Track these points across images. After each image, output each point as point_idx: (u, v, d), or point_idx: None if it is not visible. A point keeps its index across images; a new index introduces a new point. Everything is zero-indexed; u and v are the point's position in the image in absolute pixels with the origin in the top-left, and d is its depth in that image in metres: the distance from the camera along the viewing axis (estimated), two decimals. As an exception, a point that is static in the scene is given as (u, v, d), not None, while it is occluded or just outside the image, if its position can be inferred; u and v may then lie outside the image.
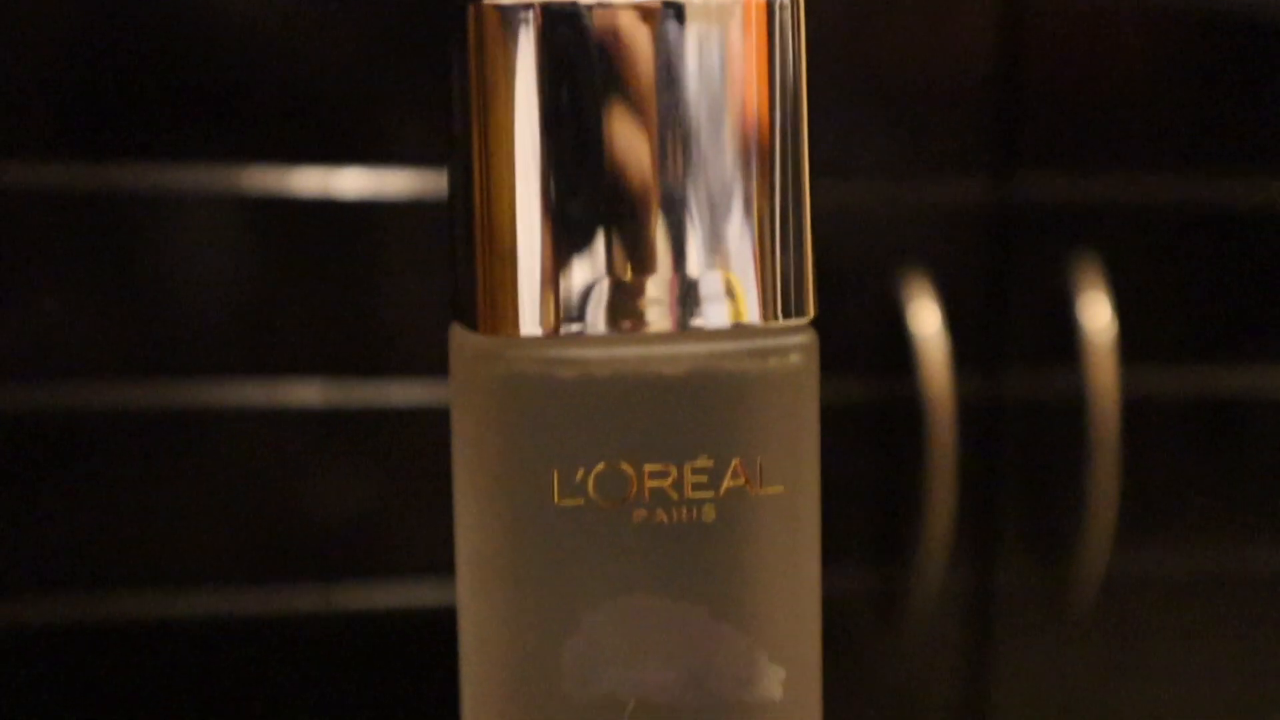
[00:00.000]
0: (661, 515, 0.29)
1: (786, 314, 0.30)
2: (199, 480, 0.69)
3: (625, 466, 0.29)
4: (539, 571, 0.29)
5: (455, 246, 0.30)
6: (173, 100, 0.68)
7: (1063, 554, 0.78)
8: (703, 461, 0.29)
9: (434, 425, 0.71)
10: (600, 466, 0.29)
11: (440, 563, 0.71)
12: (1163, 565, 0.80)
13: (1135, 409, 0.78)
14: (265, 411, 0.69)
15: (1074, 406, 0.78)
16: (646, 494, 0.29)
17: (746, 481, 0.29)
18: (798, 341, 0.30)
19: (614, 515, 0.29)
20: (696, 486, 0.29)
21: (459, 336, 0.31)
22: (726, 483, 0.29)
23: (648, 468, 0.29)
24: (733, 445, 0.29)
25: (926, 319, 0.76)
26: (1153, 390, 0.79)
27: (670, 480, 0.29)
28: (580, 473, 0.29)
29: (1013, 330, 0.78)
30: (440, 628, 0.72)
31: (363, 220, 0.70)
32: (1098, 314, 0.77)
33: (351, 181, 0.70)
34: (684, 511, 0.29)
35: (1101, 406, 0.76)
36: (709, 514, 0.29)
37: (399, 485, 0.71)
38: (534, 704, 0.29)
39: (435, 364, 0.71)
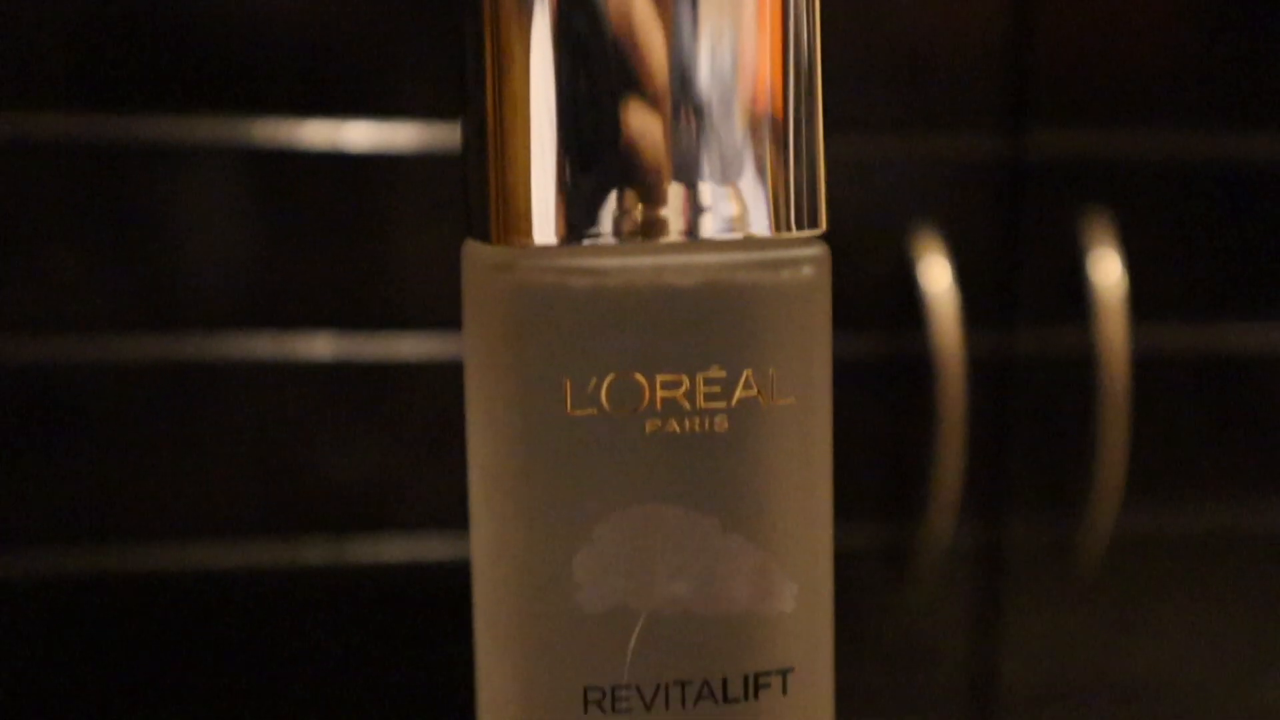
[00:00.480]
0: (674, 425, 0.29)
1: (799, 225, 0.30)
2: (209, 433, 0.69)
3: (637, 376, 0.29)
4: (551, 482, 0.29)
5: (469, 160, 0.30)
6: (183, 53, 0.68)
7: (1072, 511, 0.78)
8: (715, 372, 0.29)
9: (444, 379, 0.71)
10: (612, 376, 0.29)
11: (450, 517, 0.71)
12: (1172, 523, 0.80)
13: (1145, 366, 0.78)
14: (275, 364, 0.69)
15: (1084, 363, 0.78)
16: (659, 404, 0.29)
17: (759, 392, 0.29)
18: (810, 254, 0.30)
19: (626, 425, 0.29)
20: (709, 397, 0.29)
21: (471, 251, 0.31)
22: (739, 393, 0.29)
23: (660, 378, 0.29)
24: (745, 356, 0.29)
25: (937, 276, 0.76)
26: (1163, 347, 0.79)
27: (682, 390, 0.29)
28: (592, 382, 0.29)
29: (1023, 287, 0.78)
30: (450, 581, 0.72)
31: (372, 173, 0.70)
32: (1108, 271, 0.77)
33: (361, 134, 0.70)
34: (696, 422, 0.29)
35: (1112, 363, 0.76)
36: (721, 424, 0.29)
37: (409, 439, 0.71)
38: (546, 617, 0.29)
39: (445, 317, 0.71)
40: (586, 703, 0.30)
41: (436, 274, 0.71)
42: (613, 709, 0.30)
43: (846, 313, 0.77)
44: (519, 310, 0.29)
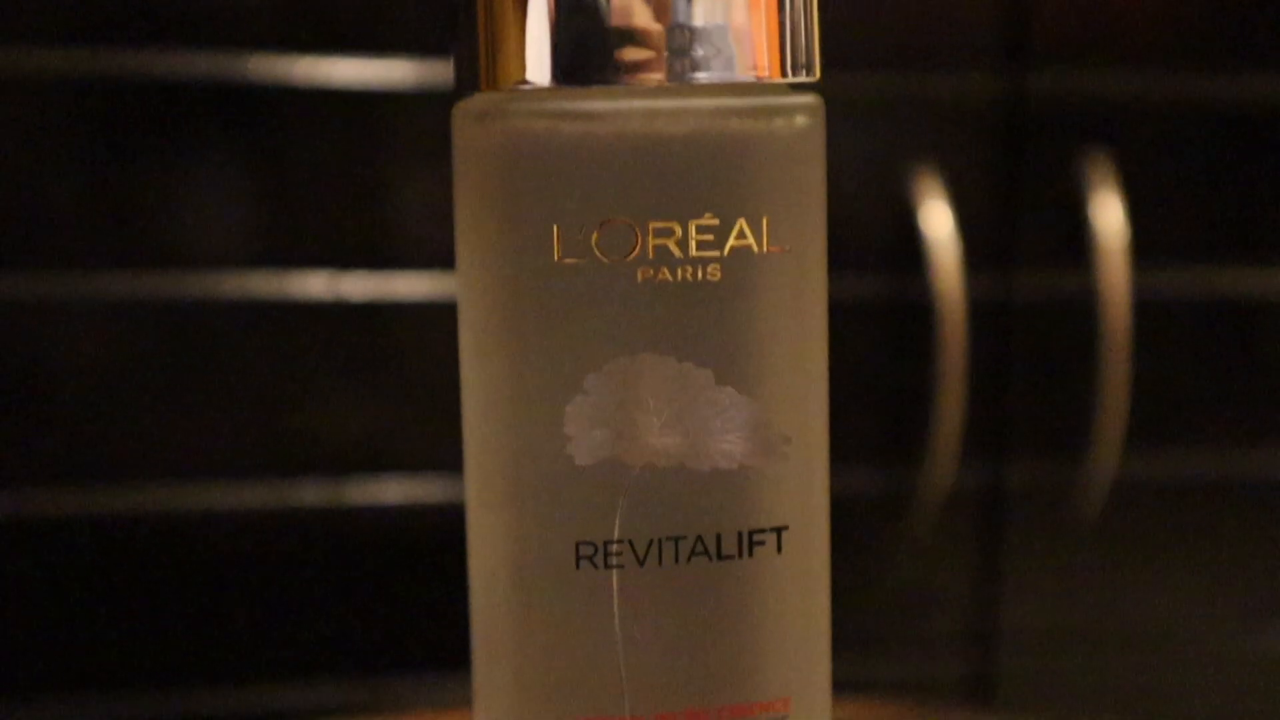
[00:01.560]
0: (666, 274, 0.29)
1: (794, 72, 0.29)
2: (206, 372, 0.69)
3: (628, 223, 0.28)
4: (541, 332, 0.29)
5: (459, 18, 0.30)
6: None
7: (1073, 456, 0.78)
8: (707, 220, 0.29)
9: (440, 318, 0.70)
10: (603, 224, 0.28)
11: (447, 458, 0.71)
12: (1173, 468, 0.80)
13: (1146, 311, 0.78)
14: (271, 304, 0.69)
15: (1085, 307, 0.77)
16: (650, 252, 0.28)
17: (752, 241, 0.29)
18: (804, 102, 0.29)
19: (618, 273, 0.28)
20: (701, 245, 0.29)
21: (461, 109, 0.30)
22: (731, 242, 0.29)
23: (652, 225, 0.28)
24: (738, 204, 0.29)
25: (938, 221, 0.75)
26: (1164, 292, 0.79)
27: (675, 238, 0.28)
28: (582, 229, 0.28)
29: (1023, 230, 0.77)
30: (446, 522, 0.72)
31: (368, 111, 0.70)
32: (1110, 215, 0.77)
33: (354, 71, 0.69)
34: (689, 270, 0.29)
35: (1113, 308, 0.76)
36: (714, 273, 0.29)
37: (405, 379, 0.71)
38: (537, 471, 0.29)
39: (441, 257, 0.70)
40: (578, 558, 0.29)
41: (432, 213, 0.70)
42: (605, 565, 0.29)
43: (846, 257, 0.77)
44: (508, 157, 0.28)
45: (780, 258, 0.29)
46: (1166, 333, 0.78)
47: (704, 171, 0.29)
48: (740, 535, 0.29)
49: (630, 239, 0.28)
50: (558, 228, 0.28)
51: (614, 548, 0.29)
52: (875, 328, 0.76)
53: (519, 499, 0.29)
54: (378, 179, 0.70)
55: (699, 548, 0.29)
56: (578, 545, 0.29)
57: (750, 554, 0.30)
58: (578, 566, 0.29)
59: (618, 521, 0.29)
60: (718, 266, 0.29)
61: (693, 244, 0.29)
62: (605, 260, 0.28)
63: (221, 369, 0.69)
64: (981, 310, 0.76)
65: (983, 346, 0.76)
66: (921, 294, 0.76)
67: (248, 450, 0.70)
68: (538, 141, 0.28)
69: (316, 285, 0.69)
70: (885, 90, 0.75)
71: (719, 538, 0.29)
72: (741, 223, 0.29)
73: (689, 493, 0.29)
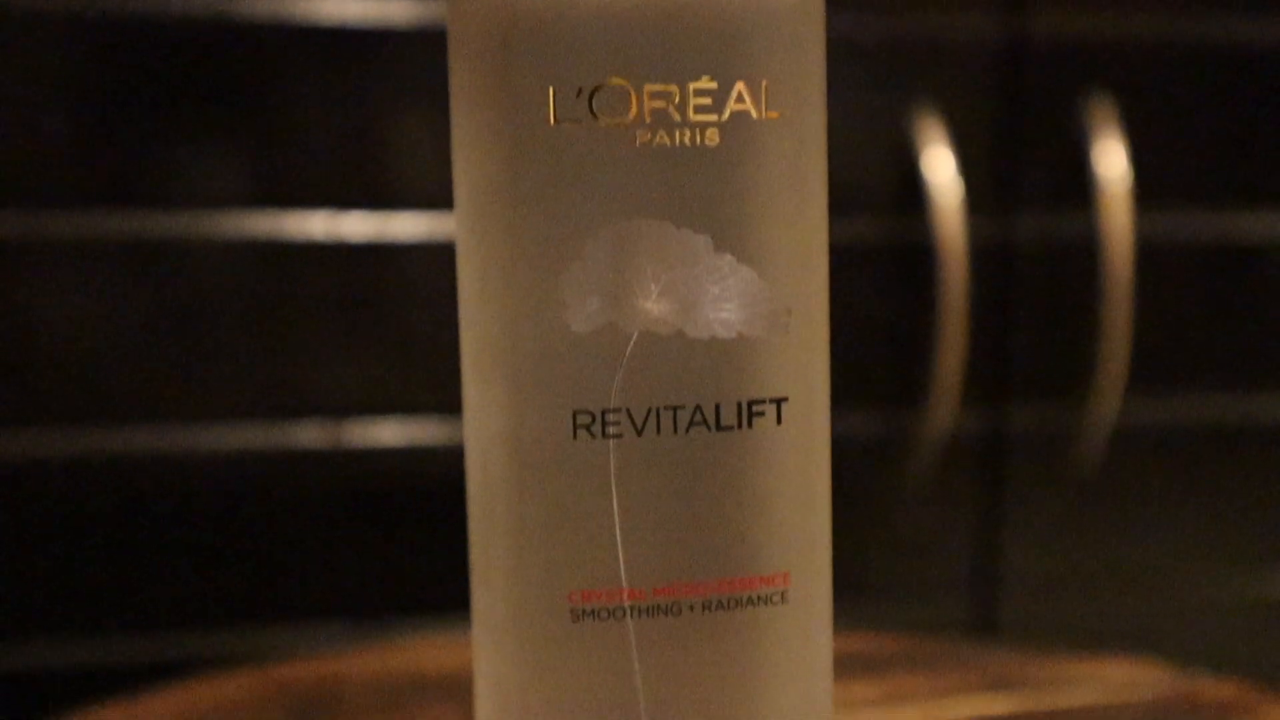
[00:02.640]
0: (664, 137, 0.28)
1: (792, -65, 0.29)
2: (202, 311, 0.69)
3: (625, 86, 0.28)
4: (537, 196, 0.28)
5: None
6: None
7: (1074, 400, 0.78)
8: (705, 83, 0.28)
9: (436, 258, 0.70)
10: (599, 86, 0.28)
11: (445, 399, 0.70)
12: (1174, 413, 0.79)
13: (1148, 254, 0.77)
14: (269, 244, 0.69)
15: (1087, 250, 0.77)
16: (647, 115, 0.28)
17: (751, 106, 0.28)
18: (803, -33, 0.29)
19: (615, 136, 0.28)
20: (699, 109, 0.28)
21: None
22: (730, 106, 0.28)
23: (649, 88, 0.28)
24: (736, 67, 0.28)
25: (940, 165, 0.75)
26: (1166, 236, 0.78)
27: (672, 101, 0.28)
28: (578, 92, 0.28)
29: (1025, 171, 0.77)
30: (444, 464, 0.71)
31: (366, 50, 0.69)
32: (1112, 158, 0.76)
33: (356, 10, 0.69)
34: (687, 134, 0.28)
35: (1115, 252, 0.75)
36: (712, 138, 0.28)
37: (402, 320, 0.71)
38: (534, 338, 0.29)
39: (437, 198, 0.70)
40: (575, 427, 0.29)
41: (430, 153, 0.70)
42: (602, 433, 0.29)
43: (848, 201, 0.76)
44: (503, 18, 0.28)
45: (779, 124, 0.29)
46: (1168, 277, 0.78)
47: (702, 33, 0.28)
48: (739, 406, 0.29)
49: (626, 102, 0.28)
50: (553, 90, 0.28)
51: (611, 417, 0.29)
52: (877, 272, 0.76)
53: (515, 368, 0.29)
54: (375, 119, 0.69)
55: (697, 418, 0.29)
56: (574, 414, 0.29)
57: (749, 425, 0.29)
58: (574, 436, 0.29)
59: (615, 390, 0.29)
60: (716, 131, 0.28)
61: (690, 108, 0.28)
62: (602, 124, 0.28)
63: (219, 310, 0.69)
64: (983, 254, 0.76)
65: (984, 290, 0.76)
66: (923, 238, 0.75)
67: (245, 391, 0.69)
68: (533, 1, 0.28)
69: (315, 226, 0.69)
70: (887, 35, 0.75)
71: (718, 408, 0.29)
72: (740, 86, 0.28)
73: (687, 362, 0.29)
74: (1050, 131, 0.77)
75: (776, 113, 0.29)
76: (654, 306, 0.28)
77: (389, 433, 0.70)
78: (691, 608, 0.29)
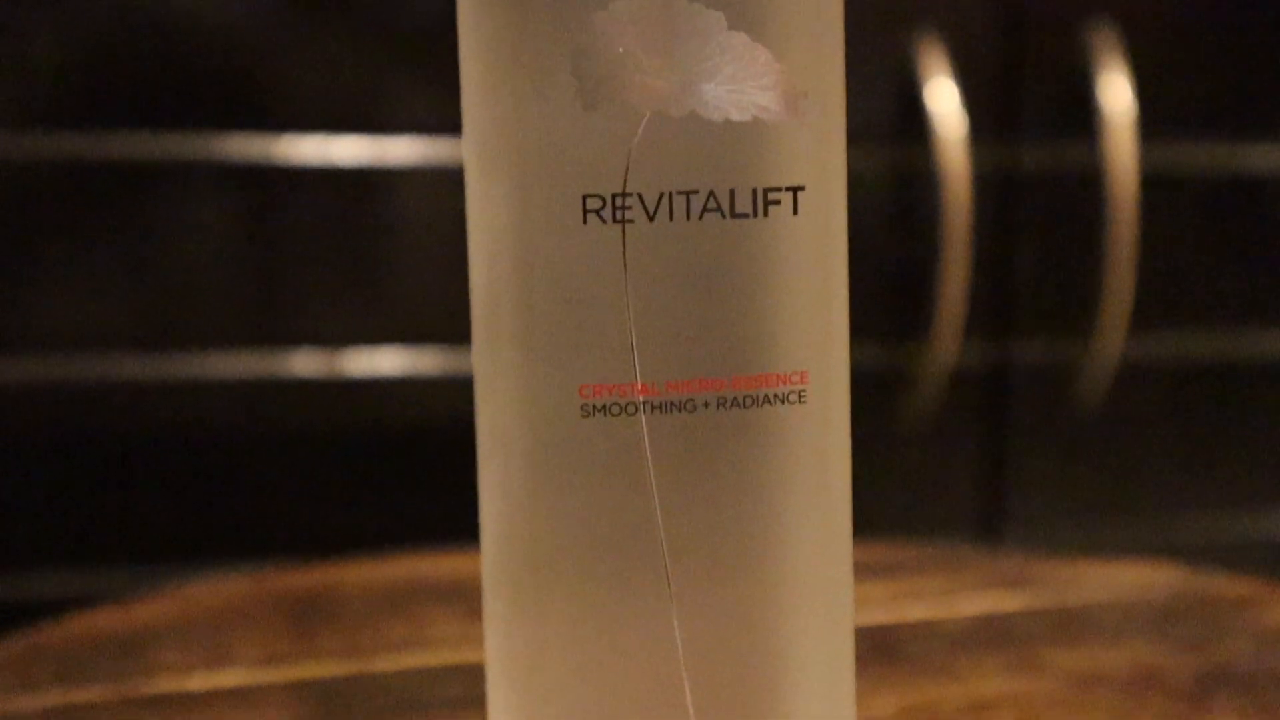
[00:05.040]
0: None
1: None
2: (195, 238, 0.68)
3: None
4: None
5: None
6: None
7: (1078, 334, 0.77)
8: None
9: (431, 185, 0.69)
10: None
11: (443, 330, 0.69)
12: (1178, 347, 0.78)
13: (1152, 186, 0.77)
14: (263, 168, 0.68)
15: (1091, 181, 0.76)
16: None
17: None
18: None
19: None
20: (712, -120, 0.27)
21: None
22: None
23: None
24: None
25: (943, 95, 0.74)
26: (1170, 167, 0.77)
27: None
28: None
29: (1029, 103, 0.76)
30: (444, 393, 0.70)
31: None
32: (1116, 89, 0.76)
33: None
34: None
35: (1119, 185, 0.74)
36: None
37: (398, 243, 0.70)
38: (543, 118, 0.28)
39: (435, 124, 0.69)
40: (585, 212, 0.28)
41: (428, 78, 0.69)
42: (613, 219, 0.28)
43: (849, 129, 0.75)
44: None
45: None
46: (1173, 209, 0.77)
47: None
48: (755, 193, 0.28)
49: None
50: None
51: (623, 201, 0.28)
52: (879, 203, 0.75)
53: (522, 152, 0.28)
54: (374, 49, 0.69)
55: (711, 204, 0.28)
56: (584, 198, 0.28)
57: (765, 214, 0.28)
58: (585, 221, 0.28)
59: (626, 172, 0.28)
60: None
61: (703, -123, 0.27)
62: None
63: (208, 231, 0.68)
64: (986, 186, 0.75)
65: (988, 223, 0.75)
66: (926, 169, 0.74)
67: (240, 319, 0.68)
68: None
69: (307, 149, 0.68)
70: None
71: (732, 194, 0.28)
72: None
73: (701, 145, 0.28)
74: (1054, 62, 0.76)
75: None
76: (665, 84, 0.27)
77: (386, 362, 0.69)
78: (706, 404, 0.28)
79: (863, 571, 0.54)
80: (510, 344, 0.29)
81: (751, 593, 0.29)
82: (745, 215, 0.28)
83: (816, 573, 0.29)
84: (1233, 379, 0.78)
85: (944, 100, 0.74)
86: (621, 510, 0.28)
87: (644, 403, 0.28)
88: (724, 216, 0.28)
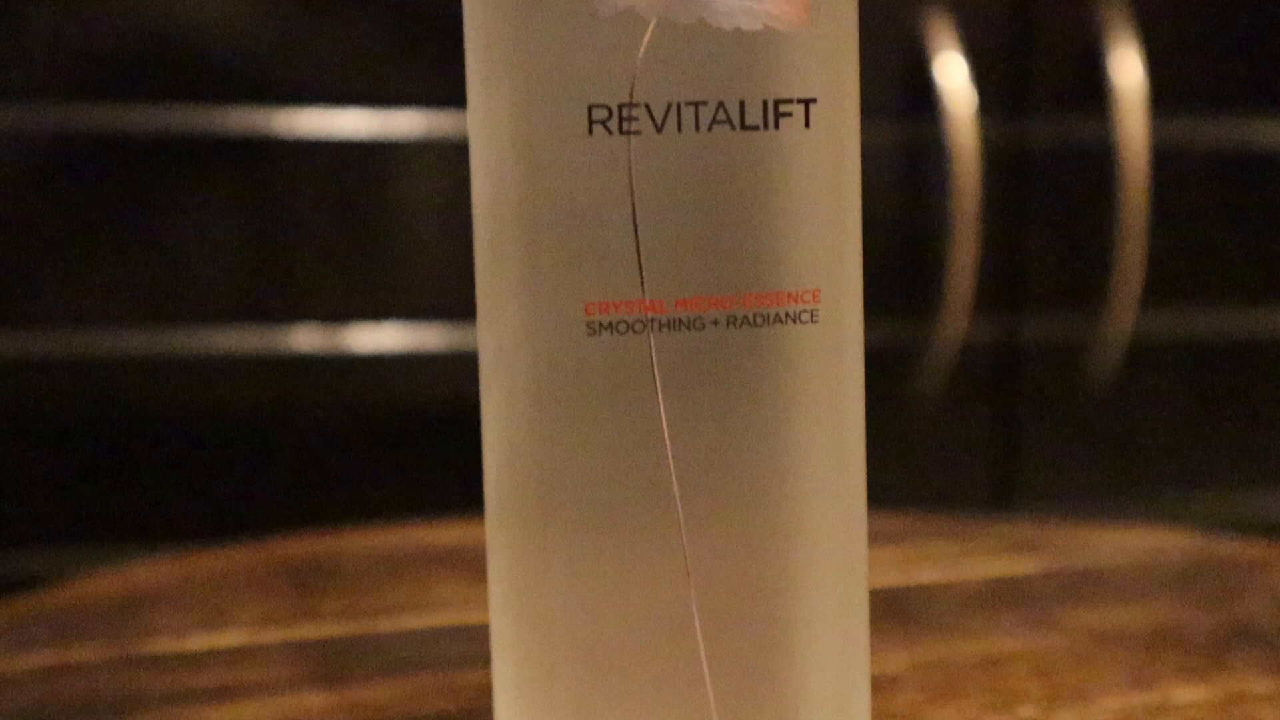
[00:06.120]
0: None
1: None
2: (195, 209, 0.67)
3: None
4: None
5: None
6: None
7: (1089, 310, 0.76)
8: None
9: (435, 158, 0.68)
10: None
11: (446, 305, 0.69)
12: (1190, 324, 0.78)
13: (1164, 161, 0.76)
14: (265, 141, 0.67)
15: (1102, 156, 0.75)
16: None
17: None
18: None
19: None
20: None
21: None
22: None
23: None
24: None
25: (952, 70, 0.73)
26: (1182, 142, 0.77)
27: None
28: None
29: (1038, 77, 0.75)
30: (446, 369, 0.69)
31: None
32: (1127, 65, 0.75)
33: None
34: None
35: (1130, 160, 0.74)
36: None
37: (401, 217, 0.69)
38: (548, 25, 0.27)
39: (439, 97, 0.68)
40: (591, 123, 0.27)
41: (432, 53, 0.68)
42: (619, 130, 0.27)
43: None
44: None
45: None
46: (1185, 184, 0.76)
47: None
48: (765, 104, 0.27)
49: None
50: None
51: (629, 111, 0.27)
52: (888, 179, 0.74)
53: (525, 60, 0.27)
54: (374, 12, 0.68)
55: (721, 115, 0.27)
56: (590, 109, 0.27)
57: (776, 126, 0.28)
58: (590, 132, 0.27)
59: (633, 82, 0.27)
60: None
61: None
62: None
63: (211, 208, 0.67)
64: (996, 161, 0.74)
65: (997, 198, 0.74)
66: (936, 144, 0.74)
67: (240, 291, 0.68)
68: None
69: (310, 124, 0.68)
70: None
71: (742, 105, 0.27)
72: None
73: (710, 54, 0.27)
74: (1064, 36, 0.75)
75: None
76: (674, -9, 0.27)
77: (388, 337, 0.69)
78: (715, 323, 0.28)
79: (872, 539, 0.53)
80: (514, 262, 0.28)
81: (762, 517, 0.28)
82: (755, 127, 0.27)
83: (829, 497, 0.28)
84: (1244, 355, 0.78)
85: (954, 75, 0.73)
86: (628, 433, 0.28)
87: (652, 320, 0.27)
88: (734, 128, 0.27)
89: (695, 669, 0.28)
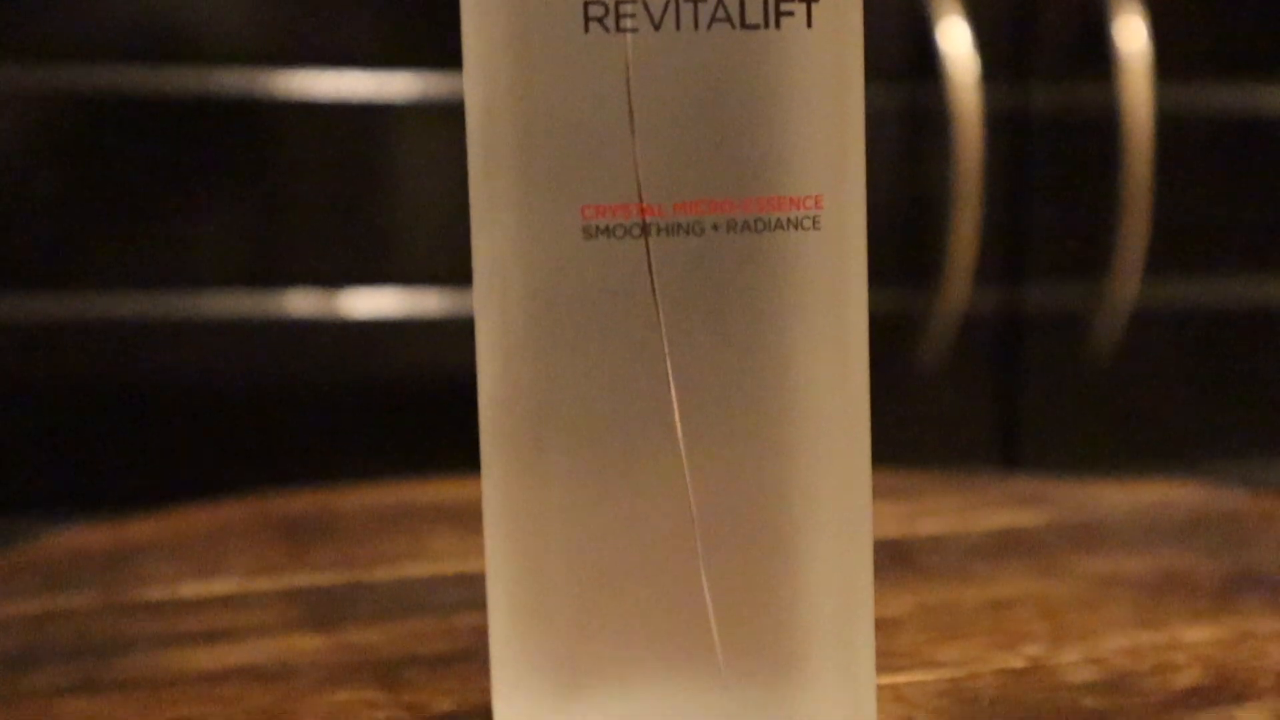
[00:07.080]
0: None
1: None
2: (190, 172, 0.67)
3: None
4: None
5: None
6: None
7: (1092, 279, 0.75)
8: None
9: (433, 122, 0.68)
10: None
11: (442, 271, 0.68)
12: (1193, 293, 0.77)
13: (1168, 128, 0.75)
14: (260, 103, 0.66)
15: (1105, 123, 0.75)
16: None
17: None
18: None
19: None
20: None
21: None
22: None
23: None
24: None
25: (955, 34, 0.73)
26: (1187, 109, 0.76)
27: None
28: None
29: (1043, 44, 0.75)
30: (443, 335, 0.69)
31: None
32: (1132, 30, 0.74)
33: None
34: None
35: (1134, 127, 0.73)
36: None
37: (398, 182, 0.68)
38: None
39: (437, 59, 0.68)
40: (586, 20, 0.26)
41: (430, 15, 0.68)
42: (616, 26, 0.26)
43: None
44: None
45: None
46: (1189, 152, 0.76)
47: None
48: (766, 2, 0.27)
49: None
50: None
51: (626, 8, 0.26)
52: (890, 144, 0.73)
53: (521, -42, 0.27)
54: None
55: (720, 13, 0.27)
56: (586, 5, 0.26)
57: (777, 25, 0.27)
58: (586, 30, 0.26)
59: (631, -22, 0.26)
60: None
61: None
62: None
63: (205, 171, 0.67)
64: (999, 126, 0.74)
65: (1000, 164, 0.74)
66: (937, 109, 0.73)
67: (237, 256, 0.67)
68: None
69: (306, 86, 0.67)
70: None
71: (742, 2, 0.27)
72: None
73: (709, -50, 0.26)
74: (1068, 1, 0.74)
75: None
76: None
77: (385, 302, 0.68)
78: (715, 227, 0.27)
79: (875, 494, 0.52)
80: (508, 166, 0.27)
81: (763, 427, 0.27)
82: (756, 26, 0.27)
83: (831, 408, 0.28)
84: (1248, 323, 0.77)
85: (956, 40, 0.72)
86: (625, 341, 0.27)
87: (649, 224, 0.27)
88: (734, 26, 0.27)
89: (695, 588, 0.27)
